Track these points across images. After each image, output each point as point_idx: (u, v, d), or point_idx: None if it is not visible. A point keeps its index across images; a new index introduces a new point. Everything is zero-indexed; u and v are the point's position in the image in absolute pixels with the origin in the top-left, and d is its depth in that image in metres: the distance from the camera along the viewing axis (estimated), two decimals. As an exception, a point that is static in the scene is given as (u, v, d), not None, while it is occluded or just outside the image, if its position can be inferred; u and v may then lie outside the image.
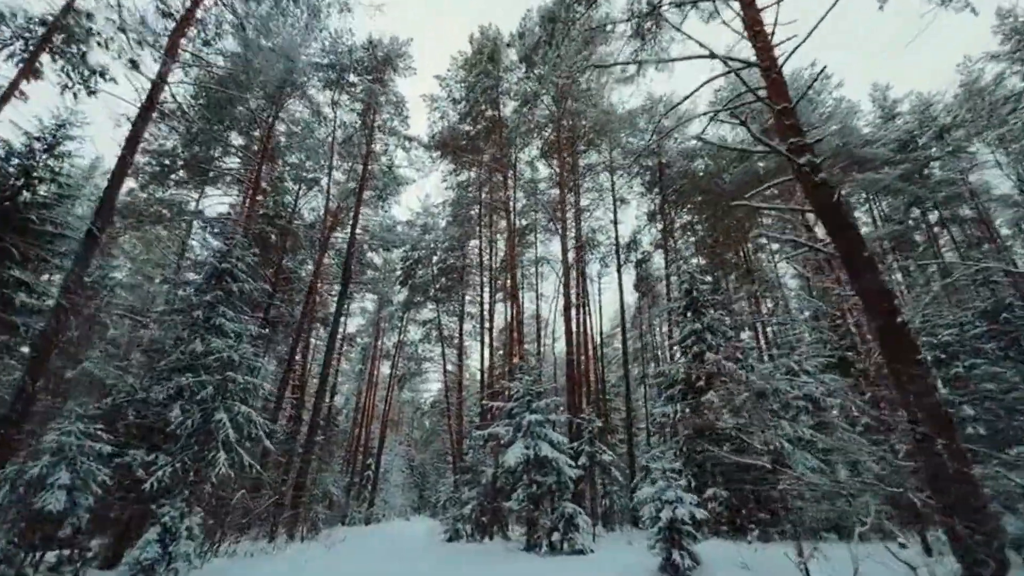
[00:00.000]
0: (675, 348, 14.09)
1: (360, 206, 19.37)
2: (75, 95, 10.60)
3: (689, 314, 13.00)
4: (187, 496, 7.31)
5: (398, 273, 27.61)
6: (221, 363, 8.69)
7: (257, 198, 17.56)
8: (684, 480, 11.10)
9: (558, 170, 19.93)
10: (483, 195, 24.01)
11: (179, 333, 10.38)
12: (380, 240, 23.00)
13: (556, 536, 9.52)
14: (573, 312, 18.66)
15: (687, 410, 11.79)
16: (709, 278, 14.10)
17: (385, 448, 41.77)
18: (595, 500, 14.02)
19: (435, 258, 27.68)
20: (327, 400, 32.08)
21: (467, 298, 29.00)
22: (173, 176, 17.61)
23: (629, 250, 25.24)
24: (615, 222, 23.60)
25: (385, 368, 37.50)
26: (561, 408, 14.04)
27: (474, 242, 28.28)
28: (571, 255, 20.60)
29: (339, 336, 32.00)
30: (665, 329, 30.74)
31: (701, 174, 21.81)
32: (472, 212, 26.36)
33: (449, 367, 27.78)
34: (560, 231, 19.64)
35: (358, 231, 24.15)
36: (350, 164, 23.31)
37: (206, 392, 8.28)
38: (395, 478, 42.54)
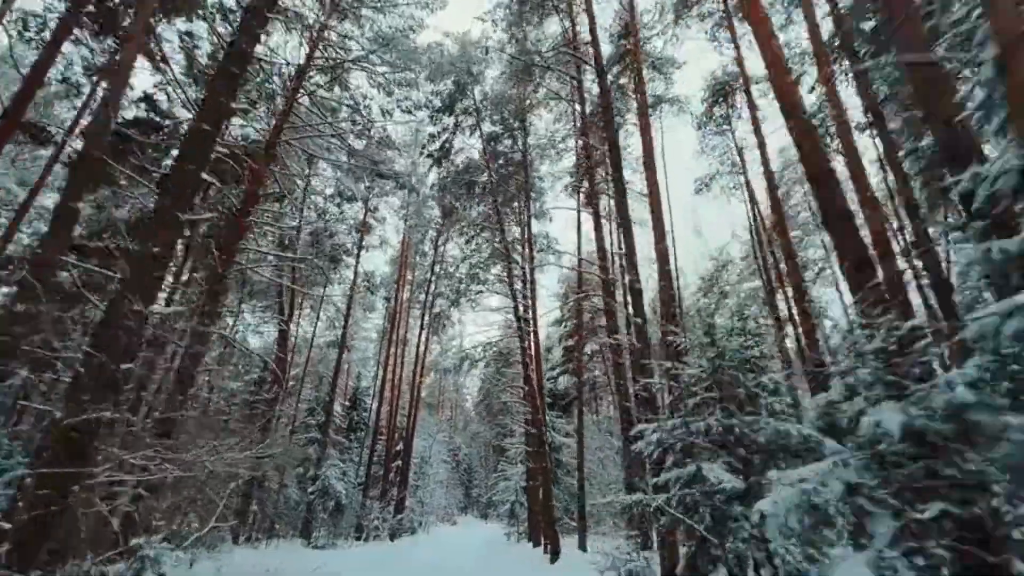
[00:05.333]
0: None
1: None
2: None
3: None
4: None
5: (423, 148, 17.54)
6: None
7: None
8: None
9: None
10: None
11: None
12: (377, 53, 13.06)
13: None
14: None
15: None
16: None
17: (419, 432, 32.16)
18: None
19: (484, 128, 17.32)
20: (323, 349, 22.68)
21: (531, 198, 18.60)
22: None
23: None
24: None
25: (413, 346, 27.23)
26: None
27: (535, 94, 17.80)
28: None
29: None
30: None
31: None
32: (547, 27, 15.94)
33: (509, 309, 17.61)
34: None
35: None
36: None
37: None
38: (436, 471, 32.75)
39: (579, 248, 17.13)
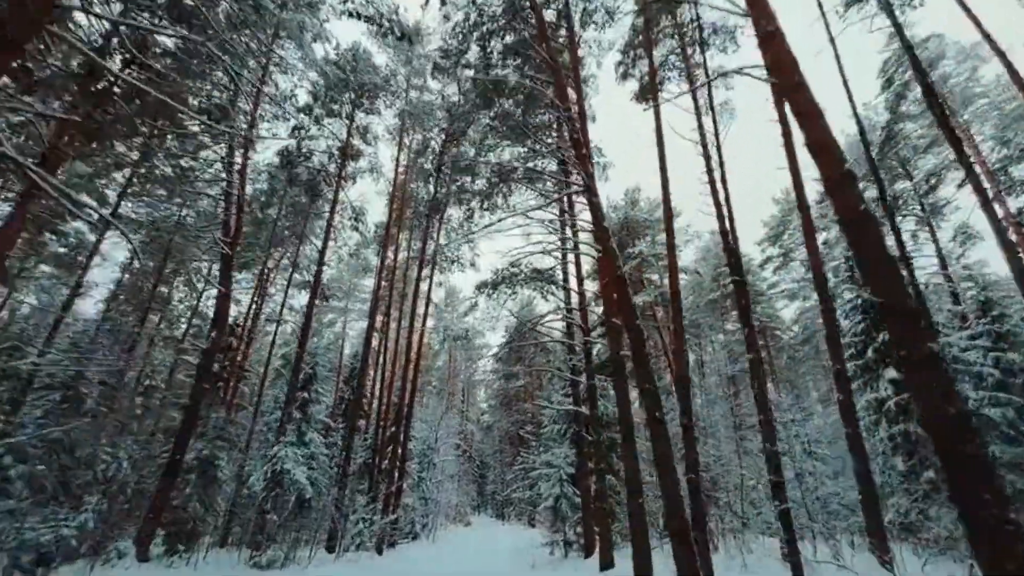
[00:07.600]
0: None
1: None
2: None
3: None
4: None
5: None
6: None
7: None
8: None
9: None
10: None
11: None
12: None
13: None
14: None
15: None
16: None
17: (423, 416, 26.61)
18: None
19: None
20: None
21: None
22: None
23: None
24: None
25: (410, 302, 21.10)
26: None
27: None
28: None
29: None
30: None
31: None
32: None
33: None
34: None
35: None
36: None
37: None
38: (446, 463, 26.98)
39: (660, 139, 11.10)
